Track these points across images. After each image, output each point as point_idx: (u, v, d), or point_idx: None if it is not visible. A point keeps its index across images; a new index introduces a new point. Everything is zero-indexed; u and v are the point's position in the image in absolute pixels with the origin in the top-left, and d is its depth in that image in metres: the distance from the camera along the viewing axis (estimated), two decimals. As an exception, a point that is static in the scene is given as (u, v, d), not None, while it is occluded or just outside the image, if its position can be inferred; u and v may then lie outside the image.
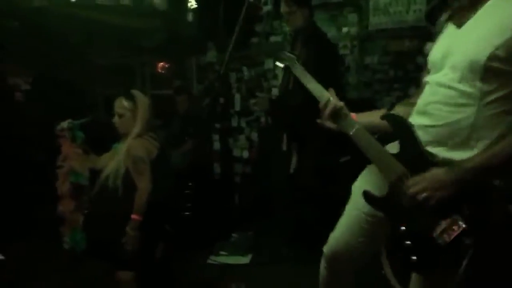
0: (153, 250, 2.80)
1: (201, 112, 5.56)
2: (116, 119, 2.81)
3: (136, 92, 2.84)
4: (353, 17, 4.21)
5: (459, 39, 1.46)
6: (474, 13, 1.44)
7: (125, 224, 2.57)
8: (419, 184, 1.43)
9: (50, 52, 4.27)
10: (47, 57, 4.40)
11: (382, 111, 1.73)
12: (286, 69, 1.93)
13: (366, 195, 1.62)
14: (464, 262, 1.32)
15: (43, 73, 4.59)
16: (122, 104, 2.77)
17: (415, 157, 1.48)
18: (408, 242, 1.44)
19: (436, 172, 1.41)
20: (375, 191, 1.61)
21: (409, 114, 1.64)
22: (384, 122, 1.60)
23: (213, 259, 3.61)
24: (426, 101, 1.52)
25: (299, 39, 3.25)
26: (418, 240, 1.43)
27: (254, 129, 5.13)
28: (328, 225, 3.44)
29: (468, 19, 1.46)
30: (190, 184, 5.08)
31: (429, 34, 3.78)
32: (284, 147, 3.46)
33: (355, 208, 1.76)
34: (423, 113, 1.52)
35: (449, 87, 1.44)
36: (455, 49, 1.45)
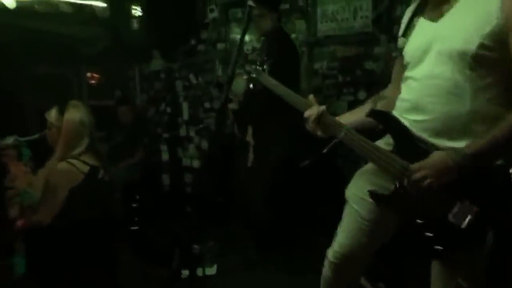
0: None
1: (147, 122, 5.42)
2: (46, 131, 2.56)
3: (72, 104, 2.54)
4: (300, 23, 4.28)
5: (441, 31, 1.48)
6: (451, 6, 1.48)
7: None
8: (421, 171, 1.41)
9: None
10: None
11: (360, 110, 1.74)
12: (250, 81, 1.90)
13: (373, 195, 1.57)
14: (487, 242, 1.33)
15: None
16: (50, 115, 2.53)
17: (412, 148, 1.49)
18: (429, 234, 1.43)
19: (436, 159, 1.41)
20: (379, 190, 1.59)
21: (387, 107, 1.67)
22: (368, 120, 1.61)
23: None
24: (417, 97, 1.53)
25: (266, 44, 3.26)
26: (437, 228, 1.42)
27: (204, 137, 5.05)
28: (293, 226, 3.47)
29: (445, 12, 1.49)
30: (137, 197, 4.92)
31: (376, 40, 3.94)
32: (249, 138, 3.44)
33: (353, 213, 1.74)
34: (415, 109, 1.53)
35: (441, 79, 1.46)
36: (439, 41, 1.47)
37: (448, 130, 1.45)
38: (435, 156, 1.42)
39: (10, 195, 2.54)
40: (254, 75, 1.84)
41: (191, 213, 5.08)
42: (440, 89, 1.46)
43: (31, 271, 2.50)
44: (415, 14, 1.59)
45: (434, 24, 1.52)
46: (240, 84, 4.49)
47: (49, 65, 5.14)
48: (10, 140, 2.55)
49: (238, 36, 4.69)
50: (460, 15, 1.45)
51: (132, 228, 4.68)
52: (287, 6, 4.28)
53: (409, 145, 1.50)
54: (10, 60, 4.12)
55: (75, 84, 5.71)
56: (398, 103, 1.62)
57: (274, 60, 2.70)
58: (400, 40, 1.61)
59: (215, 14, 4.69)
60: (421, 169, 1.41)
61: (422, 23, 1.57)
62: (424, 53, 1.51)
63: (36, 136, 2.64)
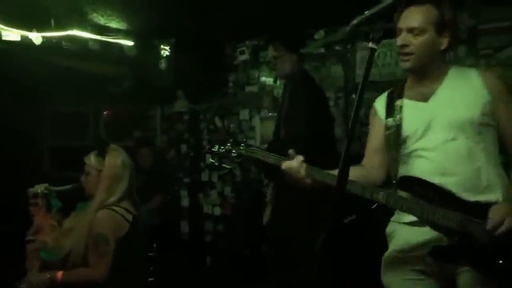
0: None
1: (167, 165, 5.18)
2: (83, 177, 2.40)
3: (112, 147, 2.41)
4: (336, 68, 4.10)
5: (439, 108, 1.73)
6: (437, 87, 1.74)
7: None
8: (504, 225, 1.54)
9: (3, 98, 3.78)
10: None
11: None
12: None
13: (436, 251, 1.61)
14: None
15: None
16: (90, 160, 2.37)
17: (456, 203, 1.62)
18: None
19: (507, 210, 1.56)
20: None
21: (366, 176, 1.77)
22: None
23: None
24: (439, 161, 1.71)
25: (288, 87, 3.03)
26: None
27: (227, 183, 4.78)
28: None
29: (434, 91, 1.75)
30: (154, 245, 4.64)
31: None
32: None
33: None
34: (443, 173, 1.69)
35: (457, 144, 1.69)
36: (441, 116, 1.71)
37: (473, 186, 1.67)
38: (502, 208, 1.58)
39: (30, 248, 2.29)
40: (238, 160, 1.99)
41: (211, 265, 4.77)
42: (459, 154, 1.69)
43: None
44: (393, 99, 1.83)
45: (424, 103, 1.76)
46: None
47: (71, 102, 4.99)
48: (40, 188, 2.32)
49: (269, 79, 4.56)
50: (453, 91, 1.73)
51: (149, 279, 4.38)
52: (322, 50, 4.13)
53: (452, 201, 1.63)
54: (33, 96, 3.97)
55: (93, 123, 5.53)
56: (414, 171, 1.74)
57: (298, 107, 2.82)
58: (389, 121, 1.80)
59: (245, 56, 4.53)
60: (505, 222, 1.54)
61: (410, 104, 1.78)
62: (426, 129, 1.73)
63: (69, 186, 2.43)
